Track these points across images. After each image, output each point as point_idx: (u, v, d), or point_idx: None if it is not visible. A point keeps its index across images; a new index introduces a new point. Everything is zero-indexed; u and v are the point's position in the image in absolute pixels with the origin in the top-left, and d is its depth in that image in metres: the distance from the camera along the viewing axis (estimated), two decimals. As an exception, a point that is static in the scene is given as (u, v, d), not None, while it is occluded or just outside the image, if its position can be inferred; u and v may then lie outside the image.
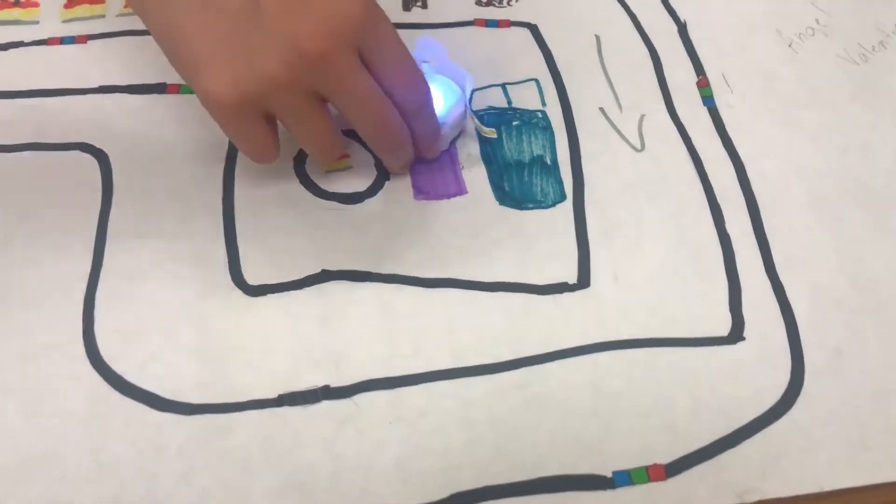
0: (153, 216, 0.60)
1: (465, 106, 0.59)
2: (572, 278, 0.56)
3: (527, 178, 0.61)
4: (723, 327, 0.54)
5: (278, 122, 0.53)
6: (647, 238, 0.58)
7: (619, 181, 0.61)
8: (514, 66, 0.68)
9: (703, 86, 0.67)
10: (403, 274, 0.56)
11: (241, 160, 0.61)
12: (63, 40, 0.69)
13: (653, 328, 0.53)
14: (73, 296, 0.56)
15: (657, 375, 0.51)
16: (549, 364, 0.52)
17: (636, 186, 0.61)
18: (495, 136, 0.63)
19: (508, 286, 0.55)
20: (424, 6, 0.73)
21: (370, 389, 0.51)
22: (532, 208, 0.59)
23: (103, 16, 0.71)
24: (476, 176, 0.61)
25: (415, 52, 0.61)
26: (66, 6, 0.72)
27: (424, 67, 0.60)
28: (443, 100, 0.59)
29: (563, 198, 0.60)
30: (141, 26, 0.68)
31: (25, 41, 0.69)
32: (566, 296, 0.55)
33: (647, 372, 0.51)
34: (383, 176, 0.61)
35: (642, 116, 0.65)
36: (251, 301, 0.55)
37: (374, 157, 0.61)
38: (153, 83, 0.66)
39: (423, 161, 0.61)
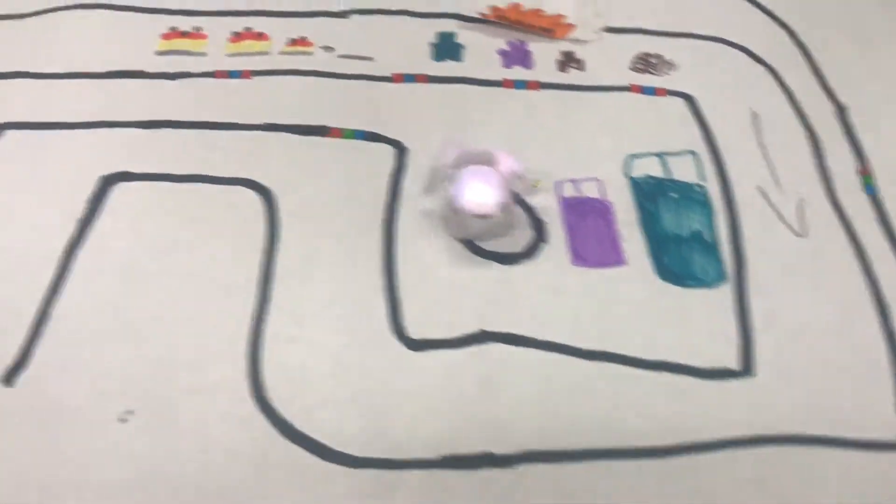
0: (317, 258, 0.61)
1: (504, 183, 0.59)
2: (735, 364, 0.55)
3: (686, 254, 0.60)
4: (891, 430, 0.52)
5: None
6: (811, 330, 0.57)
7: (781, 266, 0.60)
8: (670, 136, 0.68)
9: (865, 174, 0.66)
10: (563, 343, 0.55)
11: (403, 210, 0.61)
12: (230, 74, 0.70)
13: (816, 424, 0.54)
14: (240, 332, 0.57)
15: (827, 475, 0.50)
16: (715, 454, 0.53)
17: (798, 273, 0.60)
18: (541, 184, 0.64)
19: (671, 367, 0.55)
20: (581, 68, 0.73)
21: (533, 461, 0.51)
22: (693, 286, 0.59)
23: (267, 52, 0.72)
24: (635, 245, 0.61)
25: (436, 161, 0.63)
26: (232, 40, 0.73)
27: (449, 170, 0.61)
28: (484, 192, 0.59)
29: (723, 278, 0.59)
30: (304, 65, 0.70)
31: (193, 72, 0.70)
32: (729, 382, 0.54)
33: (815, 472, 0.50)
34: (541, 238, 0.60)
35: (801, 200, 0.64)
36: (412, 356, 0.55)
37: (532, 217, 0.61)
38: (315, 125, 0.67)
39: (583, 226, 0.61)
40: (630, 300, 0.58)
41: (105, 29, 0.72)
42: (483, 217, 0.58)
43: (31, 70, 0.69)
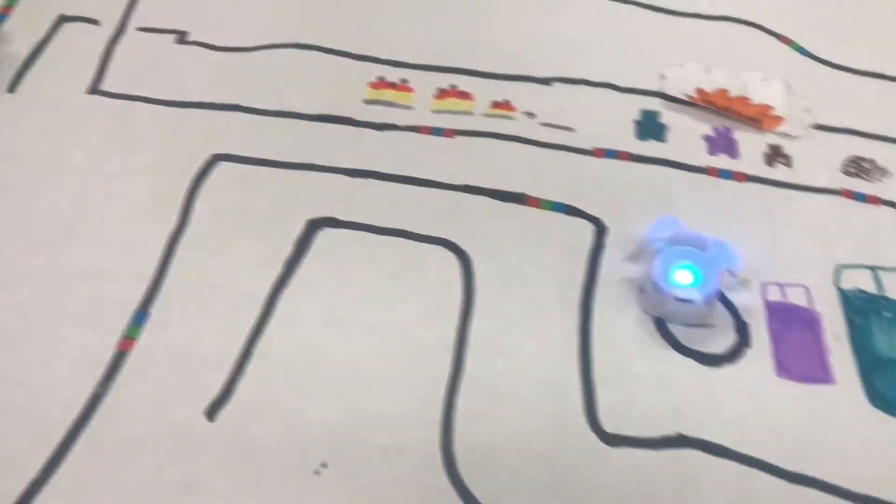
0: (511, 331, 0.61)
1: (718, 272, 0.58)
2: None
3: (900, 381, 0.56)
4: None
5: None
6: None
7: None
8: (884, 250, 0.65)
9: None
10: (764, 459, 0.53)
11: (600, 293, 0.61)
12: (433, 130, 0.71)
13: None
14: (434, 396, 0.58)
15: None
16: None
17: None
18: (748, 283, 0.62)
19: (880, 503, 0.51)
20: (788, 164, 0.70)
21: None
22: (907, 418, 0.55)
23: (471, 113, 0.72)
24: (844, 363, 0.57)
25: (648, 232, 0.62)
26: (437, 97, 0.74)
27: (657, 245, 0.61)
28: (693, 276, 0.59)
29: (947, 415, 0.55)
30: (506, 130, 0.70)
31: (399, 125, 0.71)
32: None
33: None
34: (744, 342, 0.57)
35: None
36: (607, 450, 0.54)
37: (736, 319, 0.58)
38: (514, 192, 0.66)
39: (789, 335, 0.58)
40: (837, 423, 0.55)
41: (317, 71, 0.74)
42: (683, 301, 0.55)
43: (245, 104, 0.71)
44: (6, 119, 0.68)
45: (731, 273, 0.58)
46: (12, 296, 0.58)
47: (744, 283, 0.59)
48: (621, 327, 0.59)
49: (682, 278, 0.58)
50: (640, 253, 0.62)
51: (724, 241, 0.59)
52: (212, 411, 0.54)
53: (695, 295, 0.57)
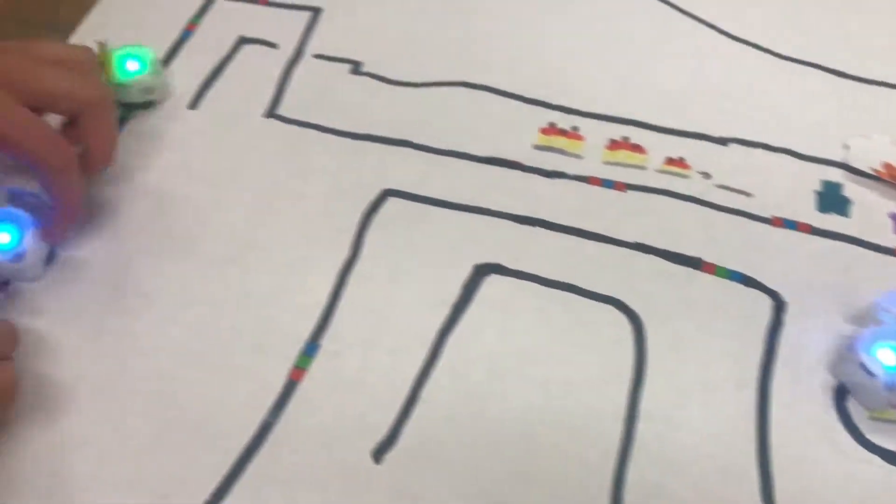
0: (684, 404, 0.59)
1: None
2: None
3: None
4: None
5: None
6: None
7: None
8: None
9: None
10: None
11: (779, 373, 0.61)
12: (604, 182, 0.69)
13: None
14: (604, 468, 0.57)
15: None
16: None
17: None
18: None
19: None
20: None
21: None
22: None
23: (644, 167, 0.70)
24: None
25: (879, 299, 0.60)
26: (609, 147, 0.72)
27: (886, 317, 0.58)
28: None
29: None
30: (680, 188, 0.67)
31: (568, 174, 0.69)
32: None
33: None
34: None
35: None
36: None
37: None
38: (689, 255, 0.63)
39: None
40: None
41: (487, 112, 0.73)
42: (868, 372, 0.55)
43: (415, 140, 0.70)
44: (187, 135, 0.70)
45: None
46: (189, 314, 0.59)
47: None
48: (802, 412, 0.56)
49: (884, 357, 0.55)
50: (864, 317, 0.59)
51: None
52: (378, 454, 0.53)
53: (880, 371, 0.53)
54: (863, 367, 0.55)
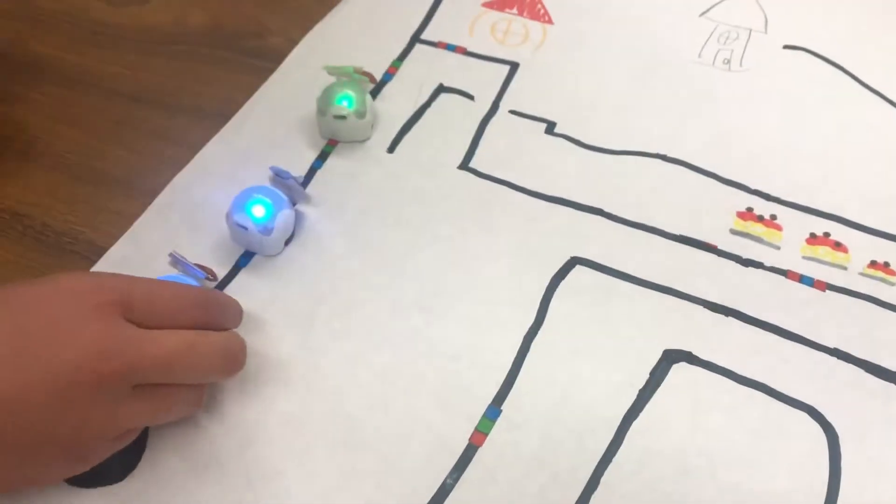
0: None
1: None
2: None
3: None
4: None
5: None
6: None
7: None
8: None
9: None
10: None
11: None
12: (802, 279, 0.65)
13: None
14: None
15: None
16: None
17: None
18: None
19: None
20: None
21: None
22: None
23: (845, 268, 0.66)
24: None
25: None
26: (809, 241, 0.69)
27: None
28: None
29: None
30: (887, 296, 0.64)
31: (765, 264, 0.66)
32: None
33: None
34: None
35: None
36: None
37: None
38: (892, 370, 0.61)
39: None
40: None
41: (682, 189, 0.71)
42: None
43: (607, 209, 0.69)
44: (384, 178, 0.71)
45: None
46: (380, 358, 0.59)
47: None
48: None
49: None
50: None
51: None
52: (557, 536, 0.52)
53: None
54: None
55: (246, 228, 0.61)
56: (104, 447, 0.44)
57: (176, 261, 0.62)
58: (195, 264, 0.62)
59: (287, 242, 0.69)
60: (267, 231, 0.61)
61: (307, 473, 0.55)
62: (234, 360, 0.51)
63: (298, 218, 0.68)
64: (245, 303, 0.61)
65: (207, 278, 0.63)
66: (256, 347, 0.61)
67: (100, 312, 0.41)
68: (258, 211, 0.61)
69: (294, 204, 0.69)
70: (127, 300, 0.42)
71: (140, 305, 0.43)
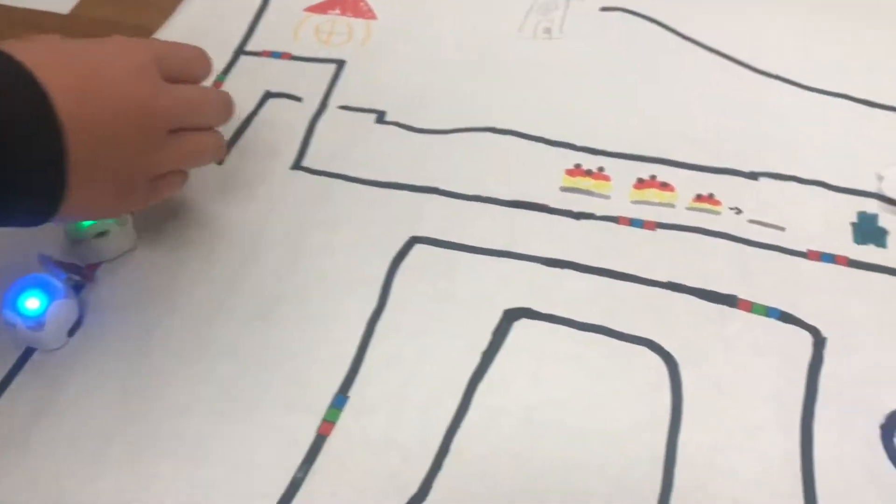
0: (724, 448, 0.58)
1: None
2: None
3: None
4: None
5: None
6: None
7: None
8: None
9: None
10: None
11: (822, 412, 0.59)
12: (632, 222, 0.68)
13: None
14: None
15: None
16: None
17: None
18: None
19: None
20: None
21: None
22: None
23: (673, 205, 0.68)
24: None
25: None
26: (636, 186, 0.71)
27: None
28: None
29: None
30: (712, 225, 0.66)
31: (596, 214, 0.68)
32: None
33: None
34: None
35: None
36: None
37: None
38: (724, 293, 0.62)
39: None
40: None
41: (513, 156, 0.73)
42: None
43: (442, 187, 0.70)
44: (215, 193, 0.70)
45: None
46: (219, 373, 0.58)
47: None
48: (847, 453, 0.54)
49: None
50: None
51: None
52: (411, 509, 0.52)
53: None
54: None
55: (14, 326, 0.55)
56: (147, 188, 0.57)
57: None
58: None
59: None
60: (39, 326, 0.56)
61: (153, 496, 0.53)
62: (230, 106, 0.66)
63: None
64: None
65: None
66: (90, 382, 0.62)
67: (145, 69, 0.52)
68: (31, 304, 0.55)
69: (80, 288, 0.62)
70: (160, 60, 0.54)
71: (168, 65, 0.55)
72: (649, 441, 0.55)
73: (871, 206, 0.69)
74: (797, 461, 0.54)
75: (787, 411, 0.56)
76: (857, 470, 0.53)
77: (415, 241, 0.68)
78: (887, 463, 0.53)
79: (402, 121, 0.78)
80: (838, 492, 0.53)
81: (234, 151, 0.77)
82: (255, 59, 0.86)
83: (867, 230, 0.68)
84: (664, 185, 0.72)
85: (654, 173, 0.72)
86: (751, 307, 0.62)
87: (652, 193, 0.71)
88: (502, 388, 0.58)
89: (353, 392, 0.58)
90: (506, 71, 0.82)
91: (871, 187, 0.70)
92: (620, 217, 0.69)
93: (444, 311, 0.63)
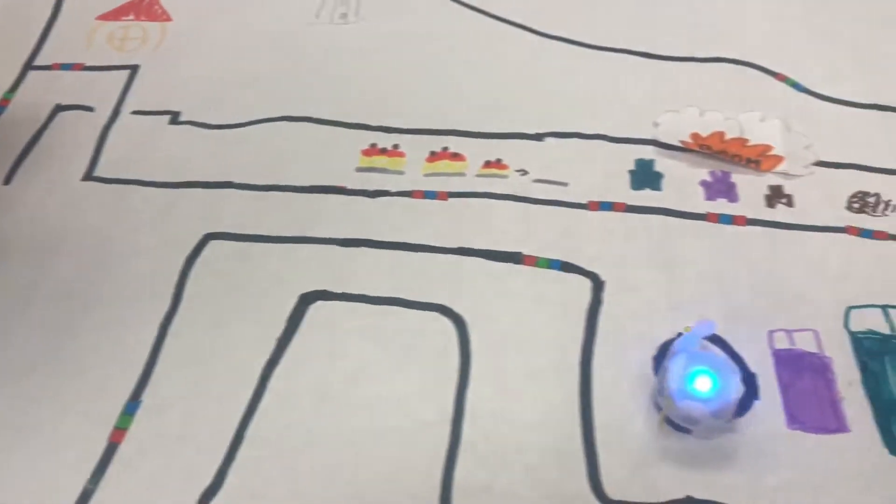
0: (509, 398, 0.60)
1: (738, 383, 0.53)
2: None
3: (921, 427, 0.53)
4: None
5: None
6: None
7: None
8: (894, 287, 0.61)
9: None
10: (780, 519, 0.49)
11: (600, 351, 0.60)
12: (426, 194, 0.70)
13: None
14: (431, 475, 0.57)
15: None
16: None
17: None
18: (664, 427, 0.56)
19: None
20: (790, 204, 0.68)
21: None
22: (929, 466, 0.51)
23: (464, 174, 0.71)
24: (860, 412, 0.55)
25: (695, 329, 0.57)
26: (429, 160, 0.73)
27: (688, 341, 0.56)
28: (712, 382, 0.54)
29: (967, 460, 0.52)
30: (499, 189, 0.70)
31: (392, 190, 0.70)
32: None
33: None
34: (752, 394, 0.55)
35: None
36: (615, 519, 0.50)
37: (742, 370, 0.56)
38: (509, 251, 0.65)
39: (799, 385, 0.56)
40: (853, 474, 0.52)
41: (309, 142, 0.74)
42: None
43: (237, 181, 0.71)
44: (2, 213, 0.68)
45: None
46: (20, 389, 0.58)
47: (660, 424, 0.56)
48: (623, 387, 0.57)
49: (701, 385, 0.54)
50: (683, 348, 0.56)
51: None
52: (203, 502, 0.52)
53: (699, 412, 0.53)
54: (687, 419, 0.54)
55: None
56: None
57: None
58: None
59: None
60: None
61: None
62: None
63: None
64: None
65: None
66: None
67: None
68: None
69: None
70: None
71: None
72: (439, 401, 0.57)
73: (649, 153, 0.73)
74: (576, 400, 0.57)
75: (568, 355, 0.59)
76: (632, 404, 0.58)
77: (209, 237, 0.68)
78: (654, 381, 0.57)
79: (197, 119, 0.78)
80: (614, 426, 0.57)
81: (21, 170, 0.74)
82: (45, 72, 0.84)
83: (644, 176, 0.72)
84: (455, 156, 0.74)
85: (447, 145, 0.74)
86: (535, 261, 0.65)
87: (444, 165, 0.73)
88: (297, 370, 0.59)
89: (147, 395, 0.58)
90: (303, 59, 0.83)
91: (648, 135, 0.74)
92: (415, 191, 0.71)
93: (238, 303, 0.63)
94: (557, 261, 0.64)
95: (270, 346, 0.60)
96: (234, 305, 0.62)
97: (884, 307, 0.60)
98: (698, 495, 0.52)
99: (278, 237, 0.67)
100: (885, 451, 0.53)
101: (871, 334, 0.59)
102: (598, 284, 0.62)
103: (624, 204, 0.68)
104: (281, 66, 0.81)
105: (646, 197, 0.69)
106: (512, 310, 0.61)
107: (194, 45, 0.83)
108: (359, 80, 0.79)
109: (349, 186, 0.71)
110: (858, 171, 0.70)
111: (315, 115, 0.77)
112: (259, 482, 0.53)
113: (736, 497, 0.52)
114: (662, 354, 0.57)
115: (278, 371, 0.59)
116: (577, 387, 0.57)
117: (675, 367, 0.51)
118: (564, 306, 0.61)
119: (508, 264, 0.65)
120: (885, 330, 0.59)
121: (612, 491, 0.52)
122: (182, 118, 0.78)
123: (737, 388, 0.52)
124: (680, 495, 0.52)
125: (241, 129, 0.76)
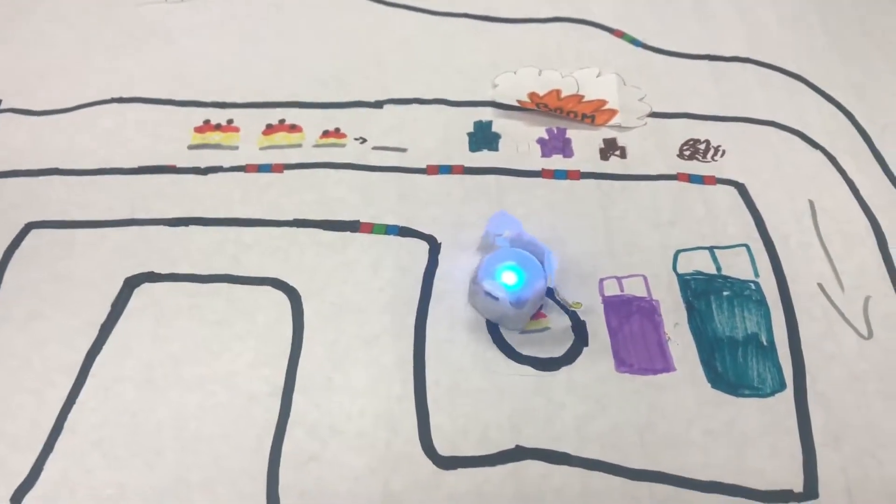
0: (342, 366, 0.59)
1: (544, 281, 0.57)
2: (797, 485, 0.49)
3: (741, 359, 0.55)
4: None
5: None
6: (883, 447, 0.51)
7: (845, 372, 0.55)
8: (721, 228, 0.63)
9: (937, 268, 0.60)
10: (606, 461, 0.50)
11: (434, 312, 0.59)
12: (260, 168, 0.68)
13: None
14: (260, 448, 0.56)
15: None
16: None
17: (865, 381, 0.54)
18: (581, 307, 0.60)
19: (725, 488, 0.50)
20: (623, 156, 0.69)
21: None
22: (748, 395, 0.54)
23: (300, 145, 0.70)
24: (685, 351, 0.56)
25: (488, 226, 0.60)
26: (265, 133, 0.72)
27: (500, 241, 0.59)
28: (517, 277, 0.57)
29: (782, 387, 0.54)
30: (336, 158, 0.67)
31: (225, 166, 0.68)
32: (791, 507, 0.48)
33: None
34: (582, 342, 0.55)
35: (867, 298, 0.59)
36: (441, 474, 0.51)
37: (572, 319, 0.56)
38: (346, 220, 0.64)
39: (627, 329, 0.56)
40: (679, 412, 0.53)
41: (138, 123, 0.71)
42: (491, 297, 0.56)
43: (63, 167, 0.67)
44: None
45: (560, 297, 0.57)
46: None
47: (573, 307, 0.57)
48: (456, 344, 0.57)
49: (507, 278, 0.57)
50: (486, 246, 0.61)
51: (550, 252, 0.58)
52: (17, 498, 0.50)
53: (501, 293, 0.54)
54: (487, 294, 0.55)
55: None
56: None
57: None
58: None
59: None
60: None
61: None
62: None
63: None
64: None
65: None
66: None
67: None
68: None
69: None
70: None
71: None
72: (269, 375, 0.55)
73: (487, 114, 0.72)
74: (410, 362, 0.56)
75: (402, 317, 0.58)
76: (465, 359, 0.59)
77: (31, 226, 0.64)
78: (493, 348, 0.59)
79: (19, 105, 0.73)
80: (446, 381, 0.58)
81: None
82: None
83: (481, 137, 0.71)
84: (293, 128, 0.72)
85: (283, 117, 0.72)
86: (372, 228, 0.64)
87: (280, 137, 0.71)
88: (121, 355, 0.57)
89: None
90: (133, 39, 0.80)
91: (487, 97, 0.73)
92: (248, 165, 0.69)
93: (60, 292, 0.60)
94: (395, 226, 0.63)
95: (93, 334, 0.57)
96: (56, 294, 0.60)
97: (710, 248, 0.62)
98: (528, 443, 0.51)
99: (104, 221, 0.64)
100: (708, 385, 0.54)
101: (697, 275, 0.60)
102: (434, 247, 0.62)
103: (462, 166, 0.68)
104: (108, 49, 0.78)
105: (483, 158, 0.69)
106: (348, 278, 0.60)
107: (16, 29, 0.79)
108: (191, 58, 0.77)
109: (180, 165, 0.68)
110: (690, 120, 0.72)
111: (145, 96, 0.74)
112: (78, 473, 0.51)
113: (565, 443, 0.52)
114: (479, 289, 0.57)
115: (101, 358, 0.56)
116: (412, 349, 0.56)
117: (487, 261, 0.56)
118: (402, 270, 0.61)
119: (345, 233, 0.63)
120: (712, 270, 0.60)
121: (442, 447, 0.52)
122: (2, 105, 0.73)
123: (540, 287, 0.56)
124: (510, 445, 0.51)
125: (68, 113, 0.72)
